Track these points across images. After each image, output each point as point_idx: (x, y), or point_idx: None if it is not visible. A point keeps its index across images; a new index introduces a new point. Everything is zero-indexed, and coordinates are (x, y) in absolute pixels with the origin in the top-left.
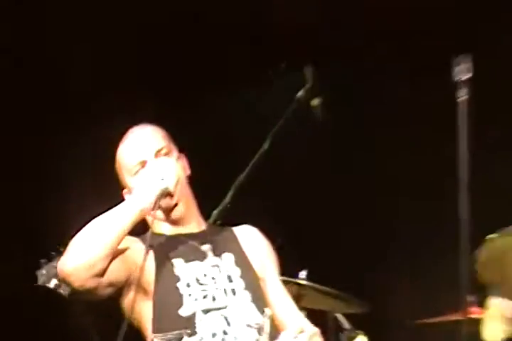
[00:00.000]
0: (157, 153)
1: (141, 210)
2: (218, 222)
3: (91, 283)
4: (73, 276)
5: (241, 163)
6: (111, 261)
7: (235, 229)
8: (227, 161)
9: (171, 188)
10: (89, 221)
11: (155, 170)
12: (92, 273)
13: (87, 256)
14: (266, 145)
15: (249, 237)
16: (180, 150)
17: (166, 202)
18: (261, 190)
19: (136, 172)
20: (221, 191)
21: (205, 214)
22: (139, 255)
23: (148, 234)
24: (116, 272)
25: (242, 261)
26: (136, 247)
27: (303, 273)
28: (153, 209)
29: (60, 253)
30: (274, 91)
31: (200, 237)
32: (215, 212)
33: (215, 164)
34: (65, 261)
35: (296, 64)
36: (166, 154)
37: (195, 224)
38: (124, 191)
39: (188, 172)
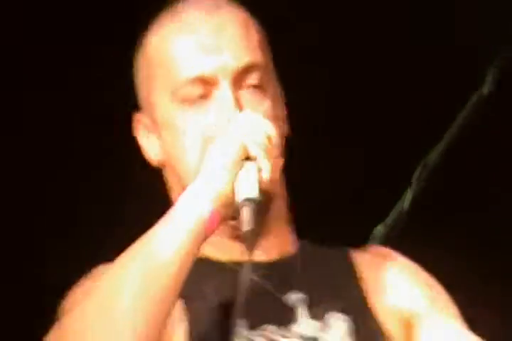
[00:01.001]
0: (239, 78)
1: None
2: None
3: None
4: None
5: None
6: None
7: (354, 253)
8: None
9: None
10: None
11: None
12: None
13: None
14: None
15: (383, 272)
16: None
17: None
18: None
19: (192, 100)
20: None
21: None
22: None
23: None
24: None
25: (363, 329)
26: None
27: None
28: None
29: None
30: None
31: (286, 274)
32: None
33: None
34: None
35: None
36: (256, 87)
37: (276, 241)
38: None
39: (286, 131)
